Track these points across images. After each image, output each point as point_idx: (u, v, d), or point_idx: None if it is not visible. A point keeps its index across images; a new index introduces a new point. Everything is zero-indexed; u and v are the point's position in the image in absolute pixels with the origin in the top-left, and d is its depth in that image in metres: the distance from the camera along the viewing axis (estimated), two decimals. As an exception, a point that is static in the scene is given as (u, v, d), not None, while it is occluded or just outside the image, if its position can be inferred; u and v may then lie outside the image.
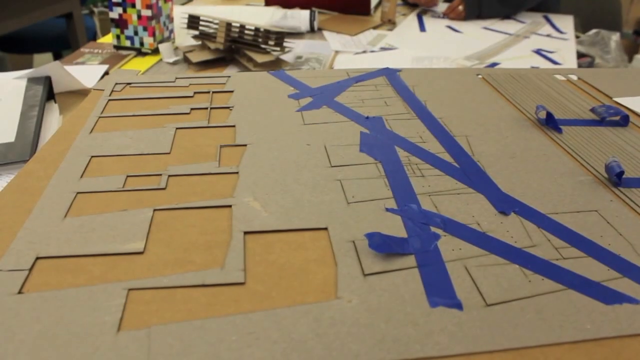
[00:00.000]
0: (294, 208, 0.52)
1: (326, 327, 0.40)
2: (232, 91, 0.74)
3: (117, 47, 1.18)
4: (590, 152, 0.65)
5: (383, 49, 1.26)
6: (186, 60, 1.15)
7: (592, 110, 0.73)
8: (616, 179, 0.58)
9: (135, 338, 0.39)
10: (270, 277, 0.44)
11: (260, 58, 1.10)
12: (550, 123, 0.69)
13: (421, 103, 0.72)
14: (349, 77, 0.79)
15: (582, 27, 1.44)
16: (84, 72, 1.03)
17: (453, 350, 0.38)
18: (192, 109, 0.69)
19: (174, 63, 1.15)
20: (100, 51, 1.19)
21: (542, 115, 0.70)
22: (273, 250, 0.47)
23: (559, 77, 0.86)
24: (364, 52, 1.23)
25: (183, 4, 1.56)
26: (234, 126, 0.66)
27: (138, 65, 1.14)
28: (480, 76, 0.84)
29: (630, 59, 1.21)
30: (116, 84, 0.76)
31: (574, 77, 0.86)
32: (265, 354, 0.37)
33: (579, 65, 1.22)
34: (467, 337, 0.39)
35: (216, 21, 1.14)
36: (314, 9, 1.37)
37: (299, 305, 0.42)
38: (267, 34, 1.12)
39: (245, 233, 0.49)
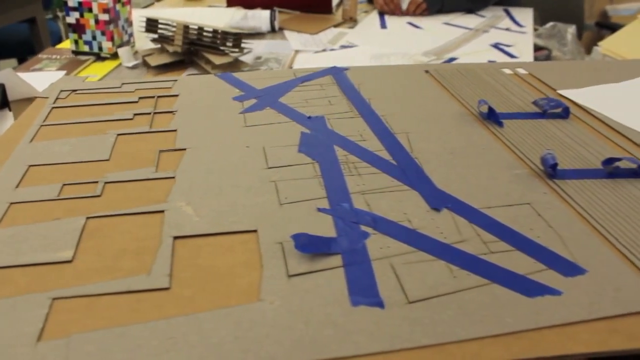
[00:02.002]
0: (226, 211, 0.52)
1: (245, 330, 0.40)
2: (177, 95, 0.74)
3: (76, 53, 1.18)
4: (529, 145, 0.65)
5: (343, 47, 1.26)
6: (145, 64, 1.14)
7: (534, 103, 0.74)
8: (551, 170, 0.59)
9: (54, 347, 0.39)
10: (196, 282, 0.44)
11: (217, 60, 1.10)
12: (492, 117, 0.69)
13: (365, 101, 0.73)
14: (296, 77, 0.79)
15: (544, 20, 1.45)
16: (41, 78, 1.02)
17: (370, 349, 0.38)
18: (135, 114, 0.69)
19: (134, 67, 1.14)
20: (58, 57, 1.18)
21: (484, 109, 0.70)
22: (201, 255, 0.47)
23: (506, 71, 0.87)
24: (324, 50, 1.23)
25: (145, 7, 1.56)
26: (175, 130, 0.66)
27: (97, 70, 1.13)
28: (427, 72, 0.85)
29: (590, 51, 1.23)
30: (61, 91, 0.76)
31: (521, 71, 0.87)
32: (183, 359, 0.37)
33: (536, 58, 1.23)
34: (386, 336, 0.39)
35: (174, 24, 1.13)
36: (274, 8, 1.37)
37: (222, 308, 0.42)
38: (224, 35, 1.11)
39: (175, 238, 0.49)
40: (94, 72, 1.12)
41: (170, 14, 1.33)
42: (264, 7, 1.40)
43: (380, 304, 0.42)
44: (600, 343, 0.40)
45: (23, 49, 1.91)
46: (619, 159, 0.60)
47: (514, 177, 0.59)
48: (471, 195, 0.56)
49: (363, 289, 0.44)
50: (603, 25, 1.95)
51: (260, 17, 1.31)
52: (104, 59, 1.17)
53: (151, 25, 1.16)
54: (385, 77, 0.81)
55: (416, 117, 0.70)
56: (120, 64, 1.15)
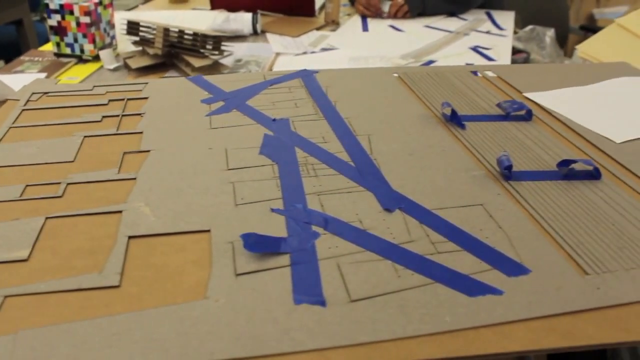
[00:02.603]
0: (182, 212, 0.53)
1: (188, 326, 0.41)
2: (146, 98, 0.75)
3: (58, 55, 1.19)
4: (489, 147, 0.66)
5: (324, 49, 1.27)
6: (126, 66, 1.15)
7: (498, 105, 0.75)
8: (506, 172, 0.60)
9: (1, 343, 0.40)
10: (146, 280, 0.46)
11: (197, 62, 1.11)
12: (454, 119, 0.71)
13: (331, 104, 0.74)
14: (265, 80, 0.80)
15: (528, 23, 1.46)
16: (22, 80, 1.03)
17: (307, 346, 0.40)
18: (103, 116, 0.70)
19: (115, 69, 1.15)
20: (40, 59, 1.19)
21: (447, 111, 0.71)
22: (154, 254, 0.48)
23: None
24: (305, 53, 1.24)
25: (129, 9, 1.57)
26: (141, 133, 0.67)
27: (79, 72, 1.14)
28: (396, 75, 0.86)
29: (572, 55, 1.24)
30: (33, 93, 0.77)
31: (490, 74, 0.88)
32: (124, 354, 0.39)
33: (514, 61, 1.25)
34: (325, 333, 0.40)
35: (154, 27, 1.15)
36: (258, 11, 1.38)
37: (168, 306, 0.43)
38: (204, 38, 1.13)
39: (130, 237, 0.50)
40: (76, 74, 1.13)
41: (153, 17, 1.34)
42: (248, 10, 1.41)
43: (322, 303, 0.43)
44: (536, 341, 0.41)
45: (10, 50, 1.93)
46: (574, 161, 0.62)
47: (470, 178, 0.60)
48: (425, 196, 0.57)
49: (307, 288, 0.45)
50: (588, 28, 1.96)
51: (242, 20, 1.32)
52: (85, 61, 1.18)
53: (132, 28, 1.17)
54: (354, 80, 0.83)
55: (380, 120, 0.71)
56: (102, 66, 1.16)
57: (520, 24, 1.46)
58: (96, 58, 1.18)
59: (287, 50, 1.26)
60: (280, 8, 1.49)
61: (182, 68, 1.14)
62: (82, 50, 1.17)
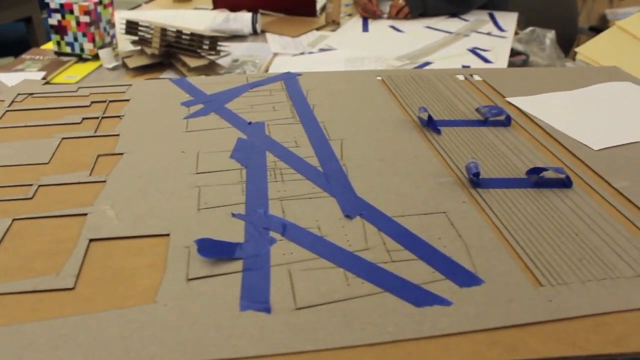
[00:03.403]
0: (145, 215, 0.54)
1: (133, 330, 0.42)
2: (128, 100, 0.76)
3: (58, 54, 1.21)
4: (462, 153, 0.66)
5: (322, 50, 1.27)
6: (124, 65, 1.17)
7: (477, 110, 0.74)
8: (474, 179, 0.60)
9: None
10: (101, 283, 0.47)
11: (193, 62, 1.12)
12: (430, 124, 0.70)
13: (309, 107, 0.74)
14: (248, 83, 0.81)
15: (534, 23, 1.44)
16: (21, 79, 1.05)
17: (247, 353, 0.40)
18: (84, 118, 0.71)
19: (114, 68, 1.17)
20: (41, 57, 1.21)
21: (424, 116, 0.71)
22: (112, 257, 0.49)
23: (460, 77, 0.88)
24: (302, 53, 1.24)
25: (132, 8, 1.58)
26: (118, 135, 0.68)
27: (78, 71, 1.16)
28: (380, 78, 0.86)
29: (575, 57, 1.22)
30: (18, 94, 0.79)
31: (475, 78, 0.88)
32: (68, 356, 0.40)
33: (512, 63, 1.23)
34: (265, 340, 0.41)
35: (152, 26, 1.16)
36: (260, 11, 1.39)
37: (117, 309, 0.44)
38: (200, 38, 1.14)
39: (92, 240, 0.51)
40: (75, 73, 1.15)
41: (153, 16, 1.35)
42: (249, 10, 1.41)
43: (267, 310, 0.44)
44: (478, 354, 0.41)
45: (20, 47, 1.96)
46: (544, 169, 0.61)
47: (438, 185, 0.60)
48: (388, 203, 0.57)
49: (254, 294, 0.45)
50: (598, 29, 1.93)
51: (242, 20, 1.33)
52: (85, 60, 1.20)
53: (131, 27, 1.19)
54: (336, 84, 0.83)
55: (356, 124, 0.71)
56: (101, 65, 1.18)
57: (522, 24, 1.44)
58: (96, 57, 1.19)
59: (285, 51, 1.26)
60: (282, 8, 1.49)
61: (178, 68, 1.15)
62: (82, 49, 1.19)
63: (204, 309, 0.44)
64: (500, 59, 1.19)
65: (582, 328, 0.44)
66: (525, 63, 1.24)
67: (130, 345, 0.40)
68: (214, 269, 0.48)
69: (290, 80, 0.81)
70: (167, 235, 0.52)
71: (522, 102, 0.79)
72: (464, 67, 1.16)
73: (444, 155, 0.66)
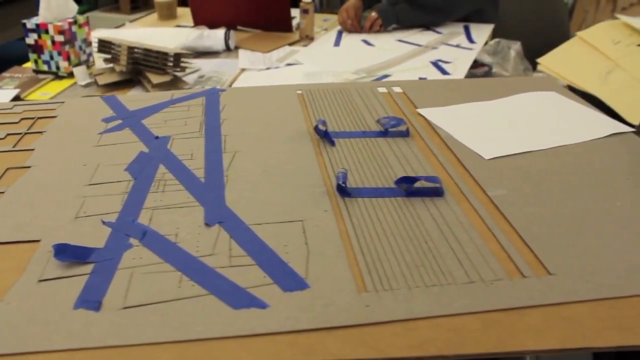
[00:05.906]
0: (26, 223, 0.60)
1: (-30, 323, 0.47)
2: (55, 117, 0.82)
3: (36, 72, 1.30)
4: (346, 164, 0.69)
5: (289, 64, 1.32)
6: (96, 82, 1.25)
7: (378, 121, 0.77)
8: (342, 187, 0.63)
9: None
10: (-34, 283, 0.52)
11: (156, 79, 1.19)
12: (326, 136, 0.74)
13: (218, 122, 0.78)
14: (171, 99, 0.86)
15: (525, 33, 1.43)
16: (-3, 97, 1.14)
17: (60, 346, 0.45)
18: (8, 134, 0.78)
19: (87, 85, 1.25)
20: (20, 75, 1.30)
21: (322, 128, 0.74)
22: (-16, 261, 0.55)
23: (382, 90, 0.90)
24: (268, 69, 1.29)
25: (117, 27, 1.67)
26: (33, 150, 0.74)
27: (53, 88, 1.25)
28: (300, 92, 0.89)
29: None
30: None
31: (396, 89, 0.90)
32: None
33: (473, 75, 1.25)
34: (82, 335, 0.46)
35: (120, 45, 1.23)
36: (239, 27, 1.44)
37: (-31, 305, 0.49)
38: (164, 55, 1.20)
39: (-29, 246, 0.57)
40: (50, 90, 1.24)
41: (129, 35, 1.42)
42: (228, 26, 1.47)
43: (95, 308, 0.48)
44: (274, 355, 0.45)
45: (22, 65, 2.09)
46: (416, 179, 0.63)
47: (309, 195, 0.63)
48: (252, 212, 0.60)
49: (91, 294, 0.50)
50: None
51: (215, 37, 1.39)
52: (61, 77, 1.28)
53: (103, 46, 1.27)
54: (255, 99, 0.87)
55: (255, 137, 0.75)
56: (75, 83, 1.26)
57: (490, 36, 1.44)
58: (71, 75, 1.28)
59: (253, 66, 1.31)
60: (259, 24, 1.54)
61: (144, 84, 1.22)
62: (57, 67, 1.28)
63: (42, 307, 0.49)
64: (459, 70, 1.20)
65: (389, 332, 0.46)
66: (487, 74, 1.25)
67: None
68: (66, 271, 0.53)
69: (212, 96, 0.86)
70: (39, 241, 0.57)
71: (431, 113, 0.81)
72: (420, 79, 1.18)
73: (328, 166, 0.69)
